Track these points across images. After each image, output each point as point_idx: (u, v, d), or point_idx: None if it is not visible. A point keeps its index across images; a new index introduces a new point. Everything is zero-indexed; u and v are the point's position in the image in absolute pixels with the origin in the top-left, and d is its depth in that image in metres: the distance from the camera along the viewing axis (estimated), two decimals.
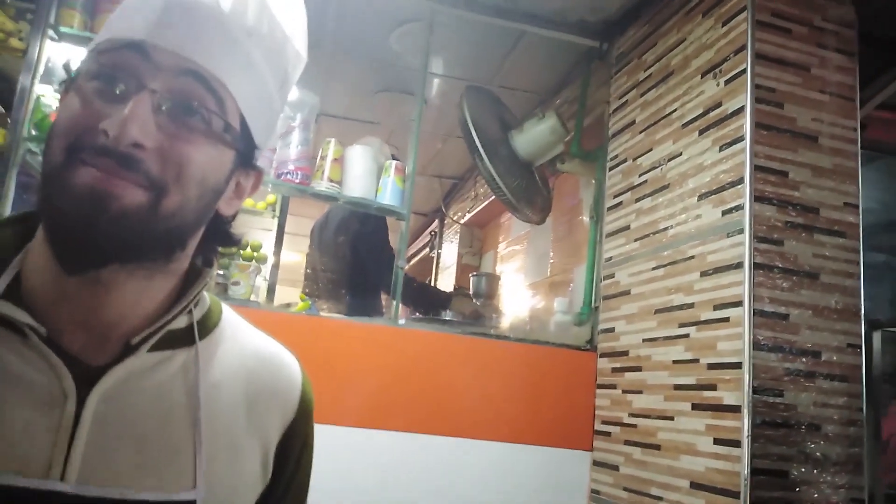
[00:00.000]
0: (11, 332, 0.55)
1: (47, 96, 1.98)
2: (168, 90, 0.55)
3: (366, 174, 2.22)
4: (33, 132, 1.94)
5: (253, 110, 0.61)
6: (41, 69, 1.99)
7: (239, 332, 0.71)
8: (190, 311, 0.64)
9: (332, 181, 2.16)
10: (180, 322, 0.63)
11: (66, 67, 0.62)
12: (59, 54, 2.09)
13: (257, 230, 3.67)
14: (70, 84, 0.57)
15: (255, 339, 0.72)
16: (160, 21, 0.55)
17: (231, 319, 0.71)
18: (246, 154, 0.62)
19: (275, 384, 0.69)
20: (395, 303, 2.20)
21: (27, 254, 0.59)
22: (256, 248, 3.46)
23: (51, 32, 2.01)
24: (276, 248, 3.41)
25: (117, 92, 0.54)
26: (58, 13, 2.02)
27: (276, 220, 3.44)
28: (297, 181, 2.15)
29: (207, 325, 0.67)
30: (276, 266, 3.39)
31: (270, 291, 3.25)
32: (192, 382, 0.62)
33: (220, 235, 0.66)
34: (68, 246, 0.54)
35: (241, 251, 3.37)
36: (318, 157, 2.21)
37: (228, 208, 0.64)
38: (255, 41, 0.60)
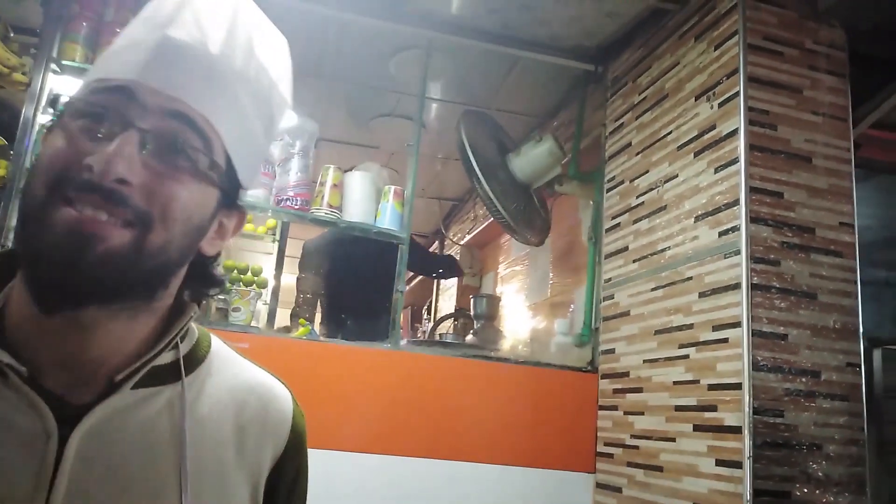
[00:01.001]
0: None
1: None
2: (155, 129, 0.55)
3: (365, 199, 2.24)
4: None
5: (239, 150, 0.61)
6: (44, 101, 2.02)
7: (228, 363, 0.70)
8: (176, 346, 0.63)
9: (331, 206, 2.18)
10: (166, 358, 0.62)
11: (54, 104, 0.62)
12: (62, 86, 2.13)
13: (258, 254, 3.69)
14: (56, 122, 0.56)
15: (244, 371, 0.70)
16: (150, 62, 0.56)
17: (220, 351, 0.70)
18: (230, 194, 0.62)
19: (265, 415, 0.68)
20: (394, 326, 2.21)
21: (11, 291, 0.58)
22: (257, 273, 3.47)
23: (53, 66, 2.04)
24: (277, 272, 3.42)
25: (104, 130, 0.54)
26: (60, 47, 2.05)
27: (276, 245, 3.46)
28: (297, 207, 2.17)
29: (194, 358, 0.66)
30: (276, 290, 3.39)
31: (271, 316, 3.25)
32: (177, 419, 0.60)
33: (204, 276, 0.66)
34: (46, 287, 0.53)
35: (242, 276, 3.38)
36: (318, 183, 2.23)
37: (211, 248, 0.64)
38: (242, 84, 0.61)
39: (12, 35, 2.17)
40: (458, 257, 4.16)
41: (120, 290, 0.55)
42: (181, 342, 0.64)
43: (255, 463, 0.65)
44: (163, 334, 0.62)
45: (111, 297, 0.55)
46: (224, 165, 0.60)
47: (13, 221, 1.91)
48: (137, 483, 0.56)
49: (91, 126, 0.54)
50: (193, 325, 0.68)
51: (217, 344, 0.71)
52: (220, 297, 2.23)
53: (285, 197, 2.17)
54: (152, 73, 0.56)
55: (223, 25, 0.60)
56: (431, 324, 4.10)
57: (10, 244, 1.88)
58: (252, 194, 2.13)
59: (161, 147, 0.55)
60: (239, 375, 0.69)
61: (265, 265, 3.52)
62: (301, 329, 2.20)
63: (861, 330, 1.66)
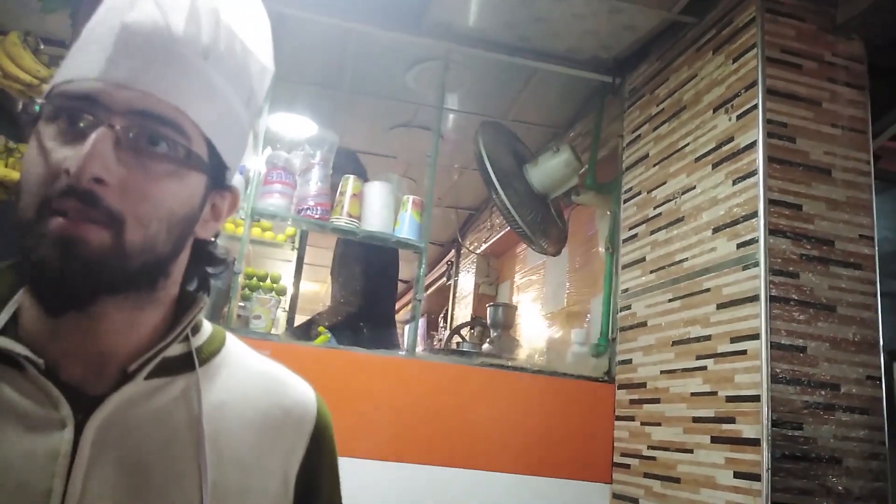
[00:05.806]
0: (9, 366, 0.56)
1: None
2: (126, 126, 0.54)
3: (384, 209, 2.26)
4: None
5: (219, 132, 0.60)
6: None
7: (244, 358, 0.70)
8: (187, 339, 0.64)
9: (351, 216, 2.21)
10: (177, 349, 0.63)
11: (28, 113, 0.63)
12: None
13: (277, 261, 3.73)
14: (32, 129, 0.56)
15: (262, 365, 0.71)
16: (113, 56, 0.55)
17: (236, 348, 0.70)
18: (217, 176, 0.62)
19: (285, 406, 0.68)
20: (412, 334, 2.23)
21: (24, 295, 0.60)
22: (276, 280, 3.51)
23: None
24: (296, 279, 3.46)
25: (75, 133, 0.54)
26: None
27: (295, 252, 3.50)
28: (317, 216, 2.20)
29: (207, 352, 0.66)
30: (295, 297, 3.43)
31: (289, 323, 3.29)
32: (194, 406, 0.61)
33: (205, 258, 0.67)
34: (47, 293, 0.55)
35: (262, 283, 3.42)
36: (338, 193, 2.26)
37: (205, 231, 0.64)
38: (213, 62, 0.59)
39: (42, 47, 2.22)
40: (474, 265, 4.19)
41: (117, 285, 0.56)
42: (192, 336, 0.65)
43: (280, 451, 0.66)
44: (173, 325, 0.62)
45: (110, 291, 0.56)
46: (206, 151, 0.59)
47: None
48: (156, 469, 0.57)
49: (63, 130, 0.54)
50: (207, 323, 0.69)
51: (232, 341, 0.71)
52: (240, 303, 2.27)
53: (306, 206, 2.20)
54: (115, 67, 0.55)
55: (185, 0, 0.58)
56: (448, 332, 4.12)
57: None
58: (273, 203, 2.17)
59: (135, 144, 0.55)
60: (257, 368, 0.70)
61: (284, 272, 3.56)
62: (320, 337, 2.22)
63: (881, 343, 1.65)
